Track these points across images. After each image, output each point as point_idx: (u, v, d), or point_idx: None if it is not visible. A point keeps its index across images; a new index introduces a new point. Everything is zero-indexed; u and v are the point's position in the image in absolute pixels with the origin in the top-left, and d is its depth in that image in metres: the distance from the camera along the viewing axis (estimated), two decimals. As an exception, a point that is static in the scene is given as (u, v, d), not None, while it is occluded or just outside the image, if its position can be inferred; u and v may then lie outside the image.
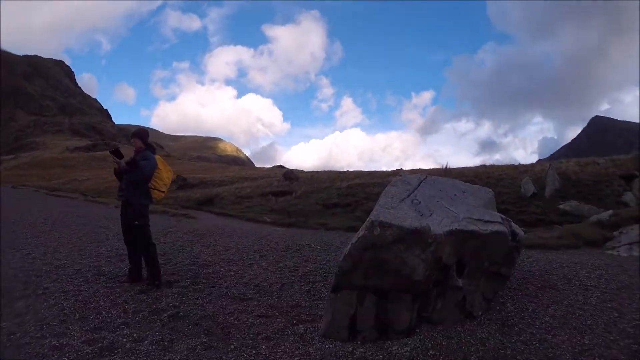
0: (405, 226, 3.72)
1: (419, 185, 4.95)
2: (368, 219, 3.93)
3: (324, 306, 4.44)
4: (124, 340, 3.67)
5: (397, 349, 3.54)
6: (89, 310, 4.37)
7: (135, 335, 3.78)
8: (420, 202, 4.34)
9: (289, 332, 3.95)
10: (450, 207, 4.41)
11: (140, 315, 4.27)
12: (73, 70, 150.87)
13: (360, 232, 3.88)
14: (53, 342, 3.54)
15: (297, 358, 3.40)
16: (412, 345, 3.58)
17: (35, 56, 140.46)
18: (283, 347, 3.61)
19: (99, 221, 11.77)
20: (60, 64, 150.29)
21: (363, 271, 3.80)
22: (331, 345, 3.63)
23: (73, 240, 8.51)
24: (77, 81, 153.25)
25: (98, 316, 4.20)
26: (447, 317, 4.04)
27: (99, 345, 3.54)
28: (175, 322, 4.13)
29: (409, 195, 4.51)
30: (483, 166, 25.20)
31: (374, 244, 3.74)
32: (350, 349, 3.57)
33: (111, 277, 5.68)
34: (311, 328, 4.02)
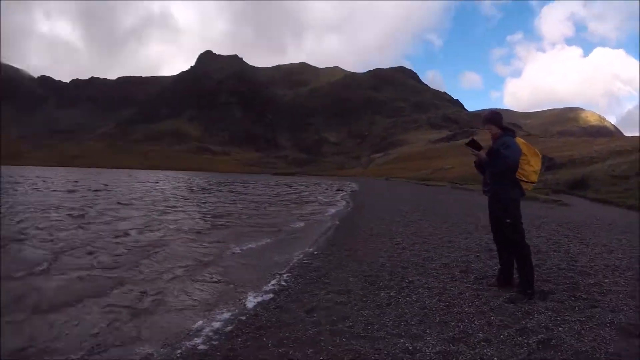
0: None
1: None
2: None
3: None
4: (483, 362, 3.06)
5: None
6: (450, 314, 3.99)
7: (495, 358, 3.12)
8: None
9: None
10: None
11: (506, 333, 3.51)
12: (415, 71, 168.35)
13: None
14: (406, 344, 3.33)
15: None
16: None
17: (377, 69, 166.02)
18: None
19: (467, 209, 11.85)
20: (401, 69, 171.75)
21: None
22: None
23: (442, 230, 8.73)
24: (422, 80, 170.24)
25: (459, 324, 3.74)
26: None
27: (454, 362, 3.07)
28: (544, 352, 3.15)
29: None
30: None
31: None
32: None
33: (479, 276, 5.20)
34: None
